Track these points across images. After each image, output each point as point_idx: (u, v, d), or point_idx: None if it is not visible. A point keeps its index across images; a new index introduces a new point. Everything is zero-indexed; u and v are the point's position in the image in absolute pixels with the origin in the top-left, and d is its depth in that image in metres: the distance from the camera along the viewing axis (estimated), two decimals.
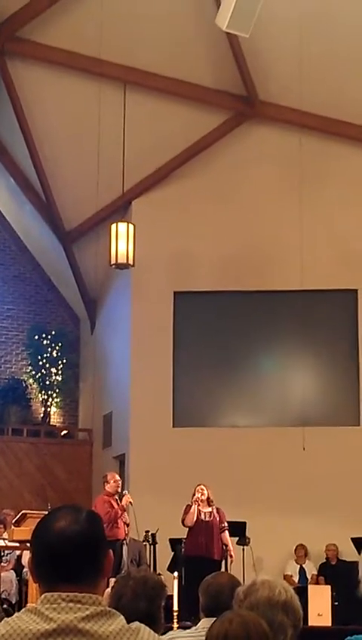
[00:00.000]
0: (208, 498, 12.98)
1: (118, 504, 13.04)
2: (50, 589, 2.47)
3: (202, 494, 12.94)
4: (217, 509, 13.02)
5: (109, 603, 4.28)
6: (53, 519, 2.54)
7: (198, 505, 12.89)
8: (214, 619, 3.18)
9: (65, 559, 2.47)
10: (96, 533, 2.56)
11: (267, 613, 3.39)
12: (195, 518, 12.81)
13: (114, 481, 13.26)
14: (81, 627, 2.39)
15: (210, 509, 12.96)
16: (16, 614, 2.45)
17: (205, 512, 12.91)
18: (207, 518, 12.88)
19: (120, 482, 13.38)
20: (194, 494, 12.99)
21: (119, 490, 13.29)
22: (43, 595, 2.46)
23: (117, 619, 2.46)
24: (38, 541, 2.55)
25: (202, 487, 13.02)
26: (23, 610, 2.46)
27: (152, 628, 2.65)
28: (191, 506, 12.93)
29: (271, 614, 3.41)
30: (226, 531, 13.06)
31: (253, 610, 3.37)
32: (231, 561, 13.15)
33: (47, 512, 2.69)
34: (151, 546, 13.79)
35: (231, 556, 13.14)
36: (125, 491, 13.43)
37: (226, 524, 13.06)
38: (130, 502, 13.11)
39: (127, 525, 13.18)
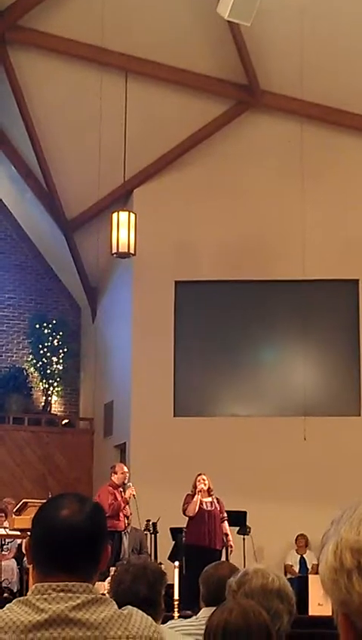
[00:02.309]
0: (209, 488, 12.99)
1: (121, 496, 13.01)
2: (45, 574, 2.46)
3: (203, 484, 12.94)
4: (217, 498, 13.03)
5: (109, 589, 4.30)
6: (58, 506, 2.53)
7: (201, 495, 12.88)
8: (214, 608, 3.18)
9: (65, 548, 2.47)
10: (98, 526, 2.56)
11: (262, 601, 3.40)
12: (197, 508, 12.82)
13: (121, 473, 13.19)
14: (72, 616, 2.39)
15: (210, 499, 12.97)
16: (7, 605, 2.45)
17: (206, 502, 12.91)
18: (209, 508, 12.89)
19: (127, 474, 13.32)
20: (194, 484, 12.99)
21: (126, 482, 13.25)
22: (34, 586, 2.46)
23: (108, 605, 2.45)
24: (40, 526, 2.54)
25: (203, 476, 13.02)
26: (15, 601, 2.45)
27: (151, 613, 2.65)
28: (192, 496, 12.93)
29: (267, 602, 3.42)
30: (226, 521, 13.08)
31: (248, 599, 3.38)
32: (231, 551, 13.17)
33: (48, 499, 2.68)
34: (152, 535, 13.80)
35: (230, 546, 13.16)
36: (129, 483, 13.38)
37: (226, 514, 13.09)
38: (133, 494, 13.08)
39: (128, 517, 13.16)
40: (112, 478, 13.20)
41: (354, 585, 1.45)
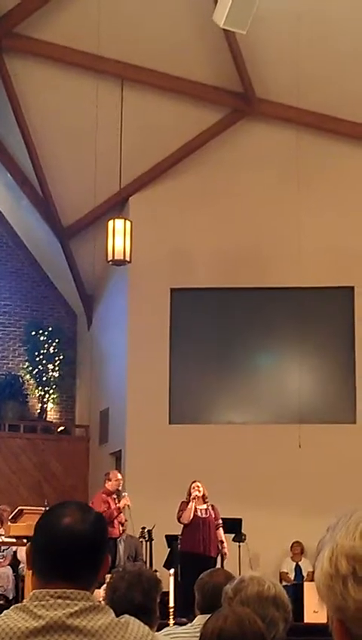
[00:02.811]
0: (203, 495, 13.00)
1: (115, 503, 13.02)
2: (45, 581, 2.47)
3: (198, 491, 12.95)
4: (212, 505, 13.04)
5: (104, 596, 4.30)
6: (61, 514, 2.54)
7: (195, 502, 12.89)
8: (209, 615, 3.19)
9: (66, 556, 2.47)
10: (100, 535, 2.57)
11: (258, 608, 3.40)
12: (192, 515, 12.82)
13: (115, 480, 13.22)
14: (69, 623, 2.39)
15: (205, 506, 12.99)
16: (4, 612, 2.45)
17: (201, 509, 12.93)
18: (204, 515, 12.91)
19: (121, 481, 13.35)
20: (189, 491, 13.00)
21: (119, 488, 13.26)
22: (32, 593, 2.46)
23: (106, 613, 2.46)
24: (42, 532, 2.55)
25: (198, 483, 13.04)
26: (12, 607, 2.45)
27: (146, 621, 2.65)
28: (186, 503, 12.94)
29: (262, 609, 3.43)
30: (221, 528, 13.08)
31: (243, 606, 3.38)
32: (225, 558, 13.17)
33: (52, 506, 2.69)
34: (148, 543, 13.79)
35: (225, 553, 13.17)
36: (125, 493, 13.38)
37: (221, 521, 13.09)
38: (128, 505, 13.09)
39: (123, 524, 13.16)
40: (106, 485, 13.22)
41: (350, 591, 1.46)
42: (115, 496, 13.13)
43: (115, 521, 12.87)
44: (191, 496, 12.92)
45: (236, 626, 3.05)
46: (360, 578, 1.46)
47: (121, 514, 13.12)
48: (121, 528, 13.11)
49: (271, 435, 16.12)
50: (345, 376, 16.70)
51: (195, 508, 12.87)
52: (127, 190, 16.52)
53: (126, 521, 13.26)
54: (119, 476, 13.40)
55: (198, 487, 13.00)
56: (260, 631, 3.09)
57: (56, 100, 15.81)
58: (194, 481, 13.06)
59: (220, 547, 13.08)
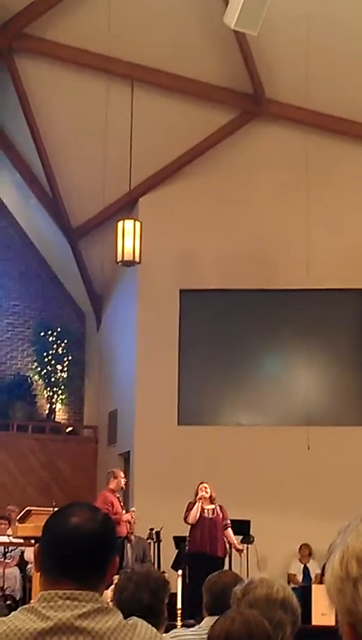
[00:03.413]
0: (211, 496, 13.01)
1: (119, 501, 13.04)
2: (52, 582, 2.47)
3: (205, 491, 12.97)
4: (220, 506, 13.05)
5: (112, 597, 4.29)
6: (70, 514, 2.54)
7: (202, 502, 12.90)
8: (217, 617, 3.18)
9: (74, 556, 2.47)
10: (108, 536, 2.56)
11: (265, 610, 3.40)
12: (198, 516, 12.83)
13: (119, 478, 13.24)
14: (77, 625, 2.39)
15: (212, 507, 12.99)
16: (12, 613, 2.45)
17: (208, 510, 12.93)
18: (211, 516, 12.91)
19: (124, 480, 13.39)
20: (196, 492, 13.01)
21: (123, 487, 13.28)
22: (40, 594, 2.46)
23: (114, 615, 2.45)
24: (50, 532, 2.55)
25: (205, 484, 13.05)
26: (20, 608, 2.45)
27: (154, 622, 2.65)
28: (193, 504, 12.95)
29: (270, 612, 3.42)
30: (229, 528, 13.09)
31: (251, 608, 3.37)
32: (240, 554, 13.22)
33: (55, 508, 2.70)
34: (156, 544, 13.79)
35: (240, 550, 13.20)
36: (133, 509, 13.42)
37: (229, 521, 13.09)
38: (130, 521, 13.10)
39: (130, 523, 13.18)
40: (110, 483, 13.24)
41: (361, 594, 1.45)
42: (118, 495, 13.15)
43: (122, 521, 12.88)
44: (198, 497, 12.93)
45: (243, 628, 3.04)
46: None
47: (132, 515, 13.14)
48: (128, 527, 13.12)
49: (279, 436, 16.11)
50: (354, 378, 16.69)
51: (202, 508, 12.88)
52: (136, 191, 16.53)
53: (135, 522, 13.27)
54: (122, 474, 13.43)
55: (206, 488, 13.01)
56: (267, 633, 3.08)
57: (66, 100, 15.83)
58: (202, 482, 13.08)
59: (229, 548, 13.10)
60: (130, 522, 13.13)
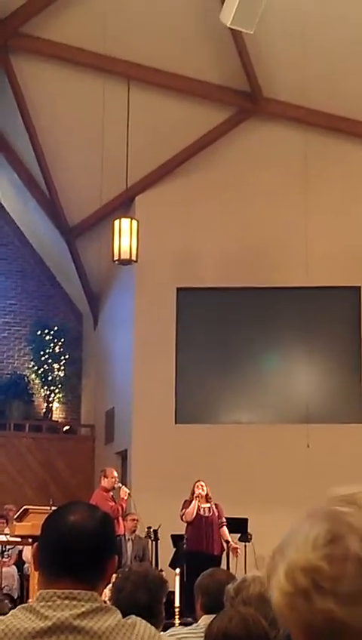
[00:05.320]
0: (207, 494, 13.03)
1: (114, 501, 13.09)
2: (51, 581, 2.46)
3: (201, 489, 12.98)
4: (216, 504, 13.06)
5: (110, 597, 4.28)
6: (68, 513, 2.53)
7: (198, 500, 12.92)
8: (214, 616, 3.17)
9: (73, 554, 2.46)
10: (107, 534, 2.56)
11: (259, 608, 3.39)
12: (195, 514, 12.84)
13: (112, 477, 13.28)
14: (76, 624, 2.38)
15: (208, 505, 13.01)
16: (11, 612, 2.44)
17: (204, 508, 12.95)
18: (207, 514, 12.93)
19: (117, 479, 13.44)
20: (193, 490, 13.03)
21: (115, 486, 13.31)
22: (38, 593, 2.45)
23: (112, 614, 2.44)
24: (49, 531, 2.54)
25: (201, 482, 13.07)
26: (18, 607, 2.44)
27: (152, 621, 2.64)
28: (190, 502, 12.96)
29: (264, 609, 3.41)
30: (225, 526, 13.09)
31: (245, 606, 3.37)
32: (237, 555, 13.19)
33: (53, 507, 2.70)
34: (153, 543, 13.80)
35: (236, 549, 13.18)
36: (119, 484, 13.43)
37: (225, 519, 13.10)
38: (129, 493, 13.22)
39: (135, 521, 13.30)
40: (102, 482, 13.28)
41: (316, 603, 1.41)
42: (111, 494, 13.20)
43: (120, 519, 12.91)
44: (195, 495, 12.95)
45: (241, 626, 3.04)
46: (322, 588, 1.42)
47: (133, 510, 13.23)
48: (133, 524, 13.23)
49: (277, 434, 16.10)
50: (353, 376, 16.68)
51: (198, 506, 12.89)
52: (133, 190, 16.52)
53: (137, 520, 13.39)
54: (115, 473, 13.45)
55: (202, 485, 13.03)
56: (264, 631, 3.08)
57: (63, 99, 15.81)
58: (198, 480, 13.10)
59: (226, 546, 13.10)
60: (132, 519, 13.26)
